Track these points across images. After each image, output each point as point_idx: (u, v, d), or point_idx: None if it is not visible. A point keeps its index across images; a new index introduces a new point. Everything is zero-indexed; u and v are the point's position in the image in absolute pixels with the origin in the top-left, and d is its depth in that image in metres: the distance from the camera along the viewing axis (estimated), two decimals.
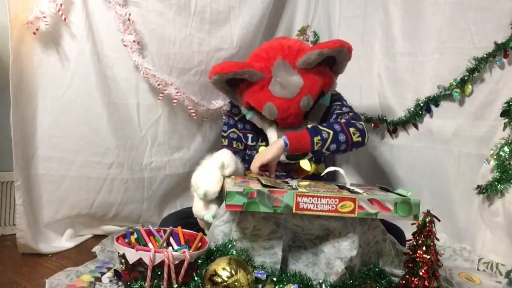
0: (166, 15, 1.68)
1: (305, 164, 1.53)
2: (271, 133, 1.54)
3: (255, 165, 1.35)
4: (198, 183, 1.37)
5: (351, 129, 1.40)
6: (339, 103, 1.59)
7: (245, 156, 1.65)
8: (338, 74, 1.59)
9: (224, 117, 1.74)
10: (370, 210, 1.16)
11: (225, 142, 1.66)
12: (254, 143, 1.64)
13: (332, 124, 1.41)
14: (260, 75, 1.48)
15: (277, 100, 1.46)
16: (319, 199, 1.14)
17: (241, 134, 1.64)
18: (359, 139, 1.41)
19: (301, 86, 1.46)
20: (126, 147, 1.68)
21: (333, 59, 1.50)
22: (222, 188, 1.36)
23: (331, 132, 1.37)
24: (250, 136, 1.65)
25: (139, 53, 1.62)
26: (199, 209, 1.38)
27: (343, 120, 1.44)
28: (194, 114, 1.78)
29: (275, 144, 1.37)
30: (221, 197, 1.36)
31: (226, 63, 1.53)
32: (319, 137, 1.36)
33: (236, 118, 1.66)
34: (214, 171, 1.36)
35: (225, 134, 1.67)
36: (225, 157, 1.38)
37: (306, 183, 1.32)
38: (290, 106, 1.46)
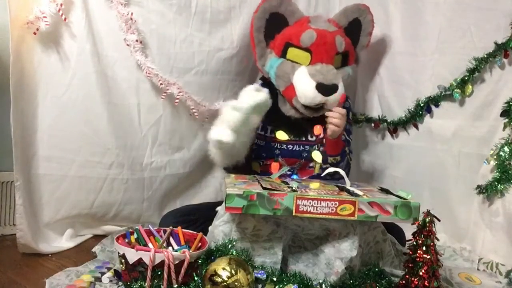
0: (167, 15, 1.68)
1: (317, 155, 1.55)
2: (302, 73, 1.55)
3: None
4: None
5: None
6: (348, 129, 1.68)
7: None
8: (358, 52, 1.74)
9: None
10: (370, 213, 1.16)
11: None
12: (263, 132, 1.64)
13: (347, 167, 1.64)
14: (301, 13, 1.66)
15: (316, 29, 1.58)
16: (319, 201, 1.14)
17: None
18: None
19: (335, 30, 1.62)
20: (127, 147, 1.68)
21: (358, 31, 1.71)
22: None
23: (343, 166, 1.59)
24: (260, 124, 1.65)
25: (142, 52, 1.62)
26: (245, 97, 1.39)
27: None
28: (196, 114, 1.78)
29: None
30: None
31: None
32: (339, 158, 1.58)
33: None
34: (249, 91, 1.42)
35: None
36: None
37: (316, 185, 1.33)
38: (327, 36, 1.57)
